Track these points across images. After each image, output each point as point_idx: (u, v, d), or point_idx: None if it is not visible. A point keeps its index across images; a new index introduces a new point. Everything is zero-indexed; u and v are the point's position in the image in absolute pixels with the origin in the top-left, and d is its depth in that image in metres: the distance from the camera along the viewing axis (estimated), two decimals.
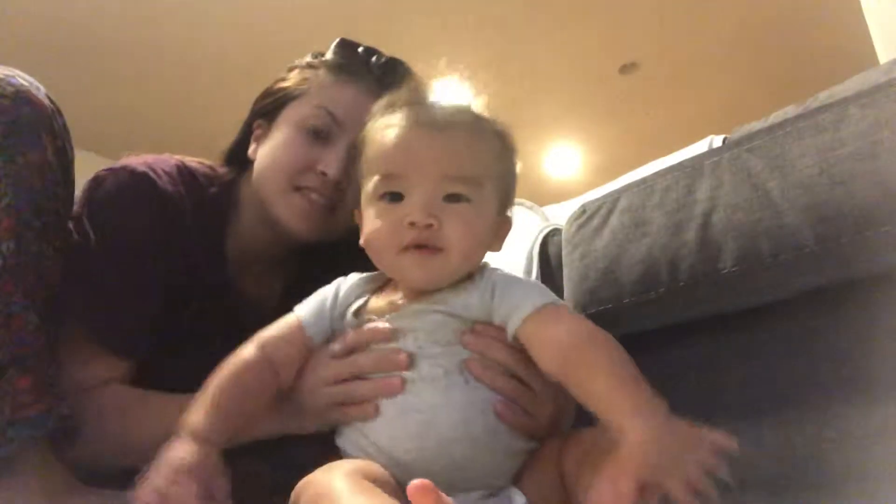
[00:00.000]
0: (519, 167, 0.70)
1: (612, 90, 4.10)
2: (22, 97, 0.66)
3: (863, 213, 0.74)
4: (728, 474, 0.49)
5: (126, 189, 0.77)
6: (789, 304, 0.84)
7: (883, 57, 1.93)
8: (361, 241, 0.65)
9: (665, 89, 4.10)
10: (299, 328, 0.65)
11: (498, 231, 0.69)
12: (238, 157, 0.91)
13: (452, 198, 0.61)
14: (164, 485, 0.51)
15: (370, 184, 0.63)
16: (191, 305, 0.81)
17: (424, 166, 0.61)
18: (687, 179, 0.91)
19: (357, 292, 0.67)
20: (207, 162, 0.91)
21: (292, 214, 0.83)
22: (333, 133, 0.83)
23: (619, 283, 0.92)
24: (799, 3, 3.42)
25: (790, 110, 0.99)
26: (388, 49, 0.94)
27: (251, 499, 0.70)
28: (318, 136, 0.83)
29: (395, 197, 0.61)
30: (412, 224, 0.59)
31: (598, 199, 1.02)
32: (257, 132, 0.90)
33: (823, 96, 0.97)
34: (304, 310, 0.67)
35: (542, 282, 1.08)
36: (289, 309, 0.68)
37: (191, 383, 0.62)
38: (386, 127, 0.64)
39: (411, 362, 0.60)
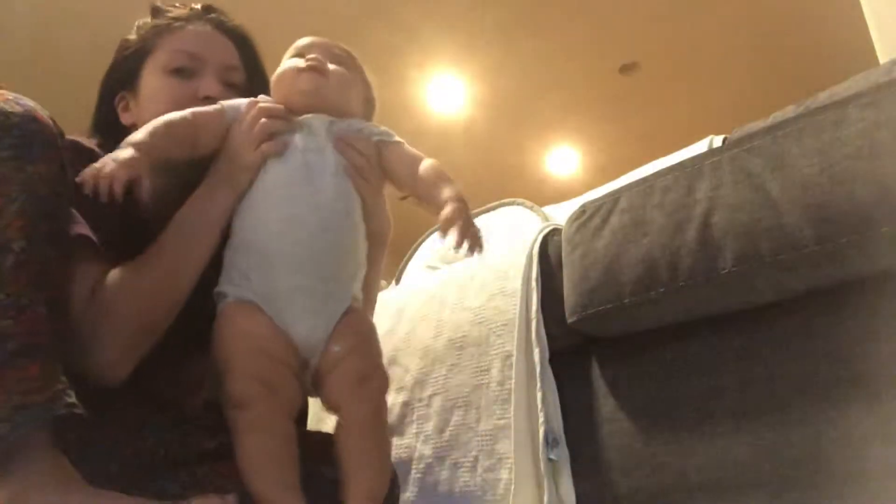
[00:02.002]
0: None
1: (612, 90, 4.11)
2: (30, 116, 0.70)
3: (863, 213, 0.74)
4: None
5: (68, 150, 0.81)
6: (789, 304, 0.84)
7: (883, 57, 1.93)
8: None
9: (665, 89, 4.10)
10: (221, 110, 0.85)
11: None
12: (112, 132, 0.94)
13: None
14: (100, 165, 0.69)
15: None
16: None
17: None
18: (687, 179, 0.91)
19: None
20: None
21: None
22: (197, 68, 0.92)
23: (619, 283, 0.92)
24: (799, 3, 3.42)
25: (790, 110, 0.99)
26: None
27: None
28: (185, 74, 0.92)
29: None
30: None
31: (598, 199, 1.02)
32: (123, 103, 0.95)
33: (823, 96, 0.97)
34: (226, 101, 0.87)
35: (542, 282, 1.07)
36: None
37: None
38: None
39: (308, 129, 0.84)
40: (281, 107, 0.86)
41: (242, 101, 0.87)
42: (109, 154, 0.71)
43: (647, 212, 0.93)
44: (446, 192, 0.79)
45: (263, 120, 0.83)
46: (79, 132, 0.94)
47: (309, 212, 0.80)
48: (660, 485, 0.91)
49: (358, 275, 0.86)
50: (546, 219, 1.59)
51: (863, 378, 0.77)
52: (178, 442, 0.79)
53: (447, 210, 0.76)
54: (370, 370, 0.80)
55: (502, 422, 1.03)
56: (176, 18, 0.95)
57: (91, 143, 0.89)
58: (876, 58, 1.96)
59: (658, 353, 0.95)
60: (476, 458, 1.05)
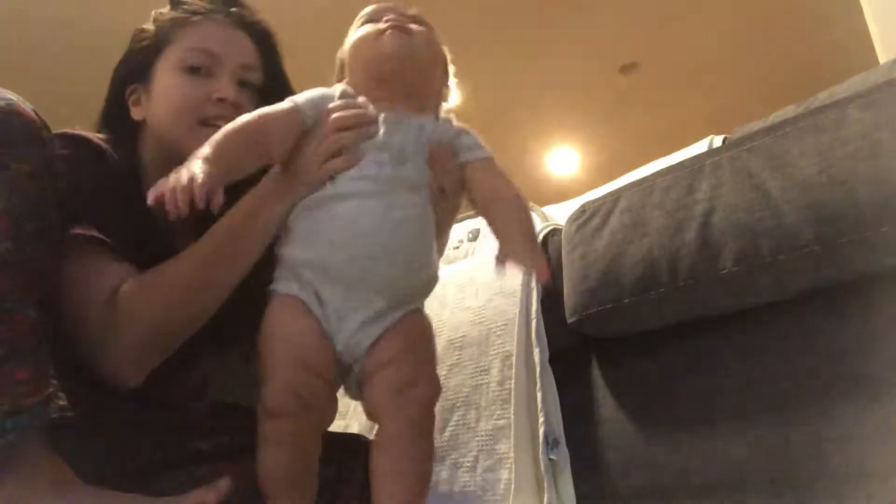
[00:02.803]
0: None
1: (612, 90, 4.11)
2: (13, 110, 0.67)
3: (863, 213, 0.74)
4: None
5: (78, 148, 0.80)
6: (789, 304, 0.84)
7: (883, 57, 1.93)
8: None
9: (665, 89, 4.10)
10: (295, 109, 0.76)
11: None
12: (121, 126, 0.91)
13: None
14: (173, 180, 0.63)
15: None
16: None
17: None
18: (687, 179, 0.91)
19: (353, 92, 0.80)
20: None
21: None
22: (213, 67, 0.88)
23: (619, 283, 0.92)
24: (799, 4, 3.42)
25: (790, 110, 0.99)
26: None
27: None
28: (200, 72, 0.88)
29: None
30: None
31: (598, 199, 1.02)
32: (134, 97, 0.91)
33: (823, 96, 0.97)
34: (302, 97, 0.78)
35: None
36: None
37: None
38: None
39: (390, 135, 0.75)
40: (361, 112, 0.76)
41: (325, 100, 0.78)
42: (179, 168, 0.65)
43: (647, 212, 0.93)
44: (520, 241, 0.72)
45: (337, 134, 0.75)
46: (85, 125, 0.91)
47: (378, 228, 0.72)
48: (660, 485, 0.91)
49: (426, 291, 0.78)
50: (546, 219, 1.59)
51: (863, 378, 0.78)
52: (176, 443, 0.79)
53: (518, 247, 0.71)
54: (414, 377, 0.73)
55: (502, 422, 1.03)
56: (195, 12, 0.91)
57: (98, 138, 0.86)
58: (876, 58, 1.96)
59: (658, 353, 0.95)
60: (476, 458, 1.05)
